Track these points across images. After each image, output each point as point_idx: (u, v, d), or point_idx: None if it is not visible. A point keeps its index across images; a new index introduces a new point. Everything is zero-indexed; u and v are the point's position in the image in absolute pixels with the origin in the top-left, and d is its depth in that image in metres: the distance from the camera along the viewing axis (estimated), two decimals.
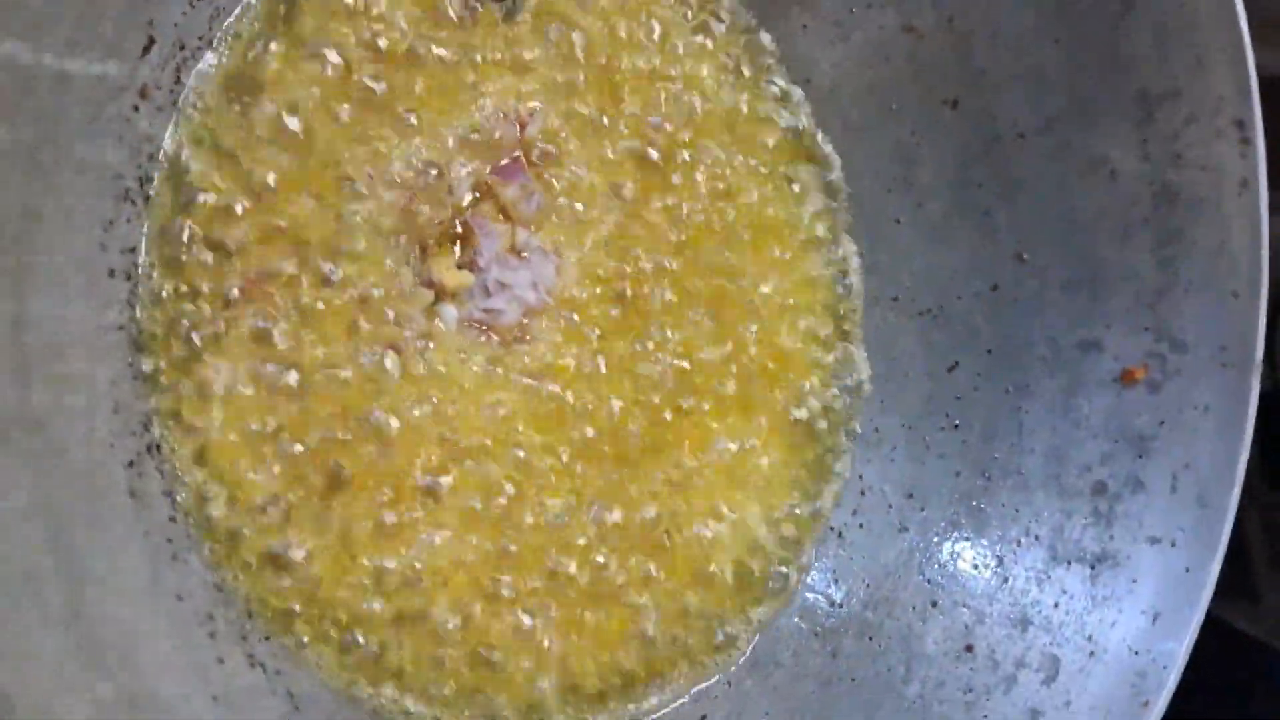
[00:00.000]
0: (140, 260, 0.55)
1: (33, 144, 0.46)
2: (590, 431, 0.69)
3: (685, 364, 0.73)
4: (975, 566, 0.74)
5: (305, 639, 0.60)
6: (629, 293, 0.71)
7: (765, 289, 0.76)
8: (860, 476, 0.79)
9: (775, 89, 0.78)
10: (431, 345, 0.64)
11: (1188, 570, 0.68)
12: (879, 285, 0.80)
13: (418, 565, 0.63)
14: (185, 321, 0.56)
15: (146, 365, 0.55)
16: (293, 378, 0.59)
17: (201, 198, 0.57)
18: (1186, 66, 0.67)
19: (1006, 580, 0.73)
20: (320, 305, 0.60)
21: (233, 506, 0.58)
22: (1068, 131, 0.72)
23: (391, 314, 0.62)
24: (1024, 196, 0.75)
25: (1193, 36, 0.66)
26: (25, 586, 0.44)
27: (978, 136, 0.75)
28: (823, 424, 0.77)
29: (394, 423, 0.62)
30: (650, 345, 0.72)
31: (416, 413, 0.63)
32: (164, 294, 0.56)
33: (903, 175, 0.79)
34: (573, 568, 0.68)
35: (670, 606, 0.72)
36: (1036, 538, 0.73)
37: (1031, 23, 0.71)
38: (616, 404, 0.70)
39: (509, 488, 0.66)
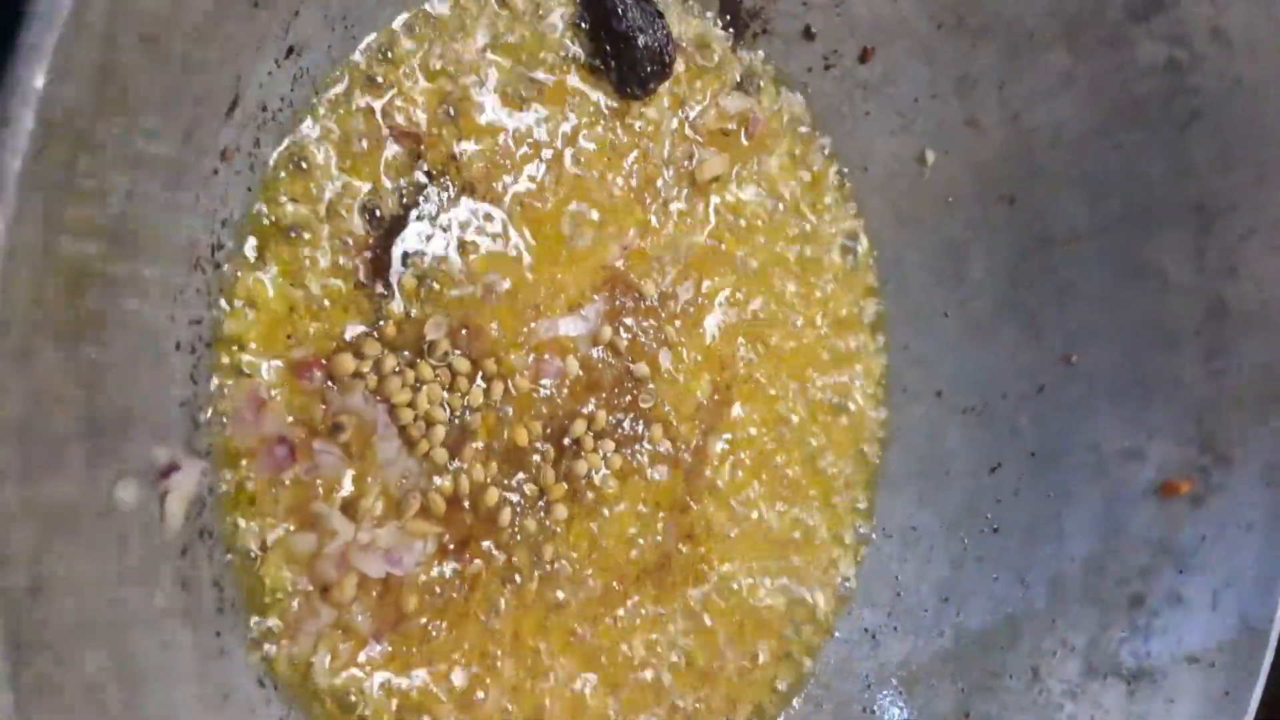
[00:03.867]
0: (204, 333, 0.53)
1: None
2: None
3: None
4: (1011, 676, 0.73)
5: None
6: None
7: None
8: (896, 577, 0.78)
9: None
10: None
11: (1227, 694, 0.66)
12: (922, 379, 0.79)
13: None
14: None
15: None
16: None
17: None
18: (1248, 179, 0.66)
19: (1042, 693, 0.72)
20: None
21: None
22: (1122, 237, 0.71)
23: None
24: (1074, 299, 0.74)
25: (1257, 150, 0.66)
26: (83, 681, 0.42)
27: (1031, 235, 0.75)
28: None
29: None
30: None
31: None
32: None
33: (953, 269, 0.78)
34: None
35: None
36: (1072, 649, 0.71)
37: (1096, 125, 0.71)
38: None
39: None
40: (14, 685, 0.35)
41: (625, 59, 0.66)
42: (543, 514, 0.64)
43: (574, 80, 0.66)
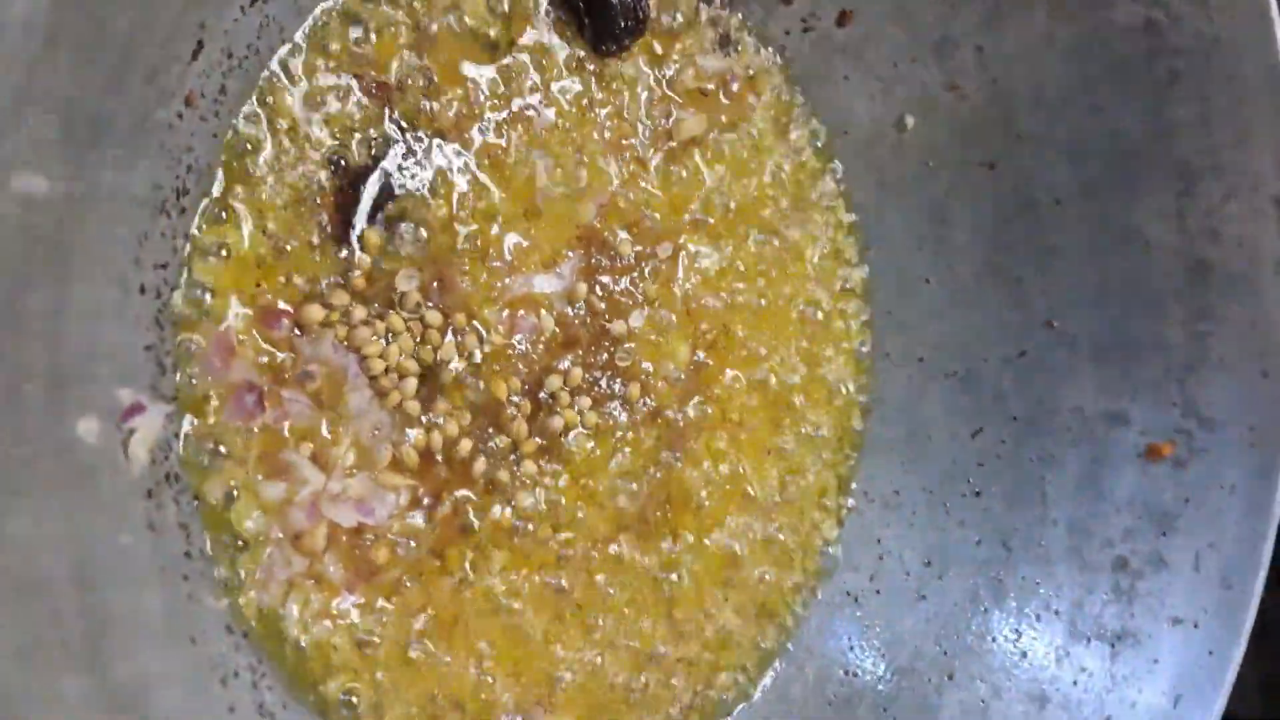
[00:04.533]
0: (169, 277, 0.53)
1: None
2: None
3: None
4: (993, 639, 0.73)
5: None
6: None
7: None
8: (879, 540, 0.78)
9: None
10: None
11: (1210, 653, 0.66)
12: (905, 345, 0.79)
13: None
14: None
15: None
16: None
17: None
18: (1230, 141, 0.66)
19: (1025, 655, 0.72)
20: None
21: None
22: (1104, 200, 0.71)
23: None
24: (1057, 263, 0.74)
25: (1238, 111, 0.65)
26: (50, 624, 0.42)
27: (1013, 200, 0.75)
28: None
29: None
30: None
31: None
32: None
33: (935, 234, 0.78)
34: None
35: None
36: (1056, 612, 0.72)
37: (1076, 88, 0.70)
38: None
39: None
40: None
41: (600, 15, 0.66)
42: (515, 468, 0.64)
43: (548, 36, 0.66)
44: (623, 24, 0.66)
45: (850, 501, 0.79)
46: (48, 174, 0.41)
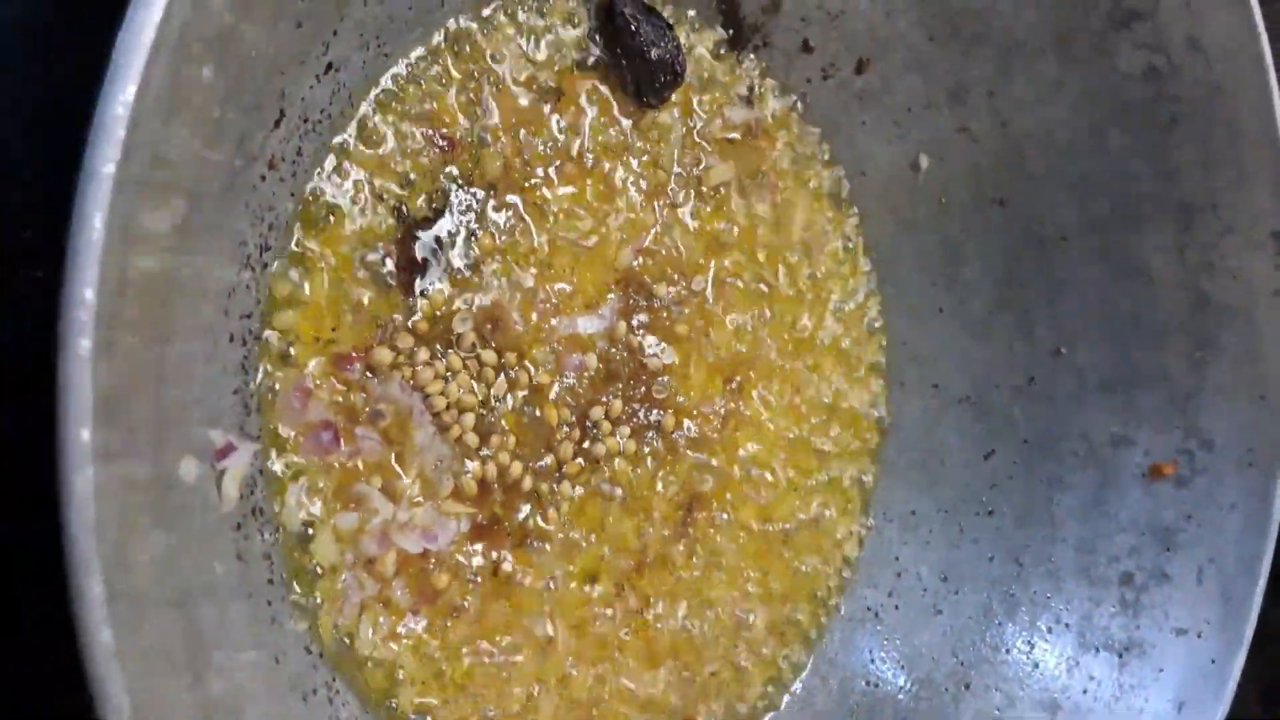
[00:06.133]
0: (253, 326, 0.57)
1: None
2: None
3: None
4: (1007, 651, 0.77)
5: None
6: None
7: None
8: (897, 558, 0.82)
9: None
10: None
11: (1213, 662, 0.70)
12: (920, 373, 0.83)
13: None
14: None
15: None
16: None
17: None
18: (1228, 181, 0.70)
19: (1037, 665, 0.75)
20: None
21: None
22: (1110, 237, 0.75)
23: None
24: (1064, 296, 0.78)
25: (1236, 152, 0.69)
26: (159, 641, 0.45)
27: (1023, 237, 0.78)
28: None
29: None
30: None
31: None
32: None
33: (948, 269, 0.82)
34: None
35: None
36: (1066, 625, 0.76)
37: (1083, 131, 0.74)
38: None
39: None
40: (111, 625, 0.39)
41: (640, 72, 0.70)
42: (558, 488, 0.69)
43: (590, 89, 0.70)
44: (662, 78, 0.70)
45: (870, 522, 0.83)
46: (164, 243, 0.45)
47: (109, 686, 0.40)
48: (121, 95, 0.39)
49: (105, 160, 0.38)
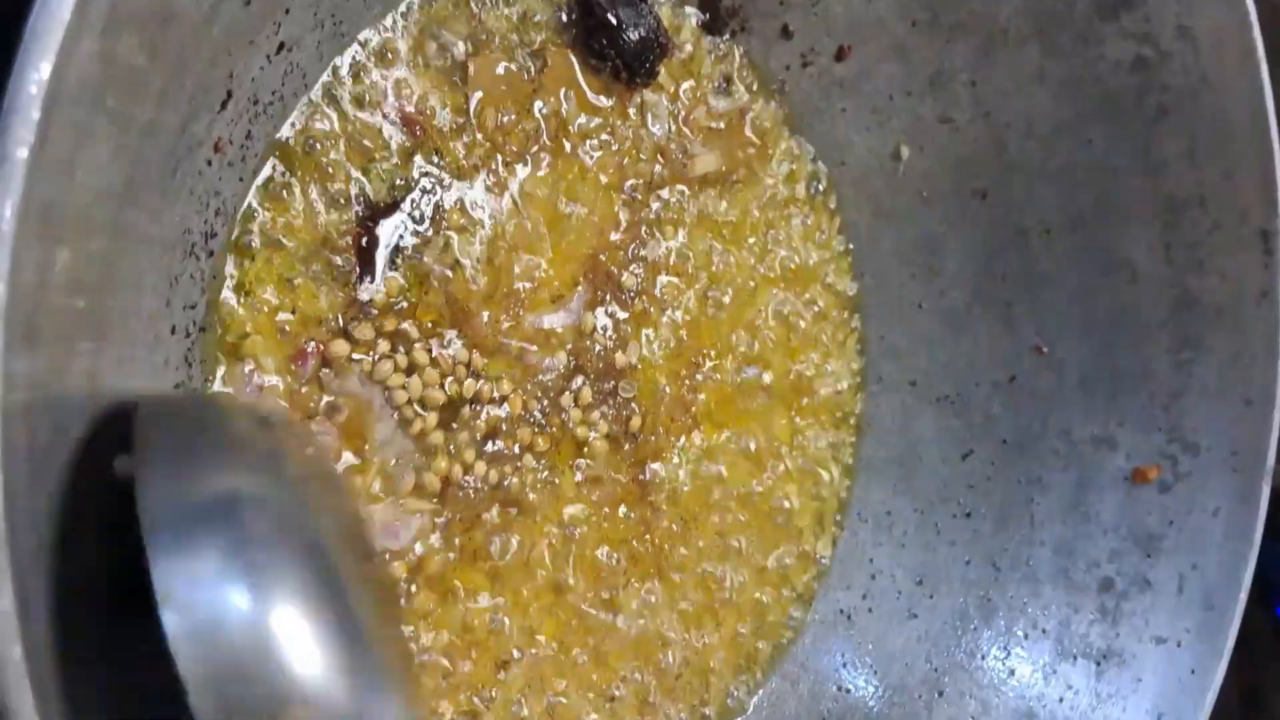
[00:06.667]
0: (198, 318, 0.55)
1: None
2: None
3: None
4: (983, 657, 0.75)
5: None
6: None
7: None
8: (871, 560, 0.80)
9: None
10: None
11: (1193, 672, 0.68)
12: (898, 369, 0.81)
13: None
14: None
15: None
16: None
17: None
18: (1216, 176, 0.68)
19: (1013, 672, 0.74)
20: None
21: None
22: (1093, 231, 0.73)
23: None
24: (1046, 291, 0.76)
25: (1225, 147, 0.67)
26: None
27: (1005, 229, 0.77)
28: None
29: None
30: None
31: None
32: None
33: (928, 262, 0.80)
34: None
35: None
36: (1044, 631, 0.74)
37: (1067, 121, 0.72)
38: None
39: None
40: None
41: (625, 54, 0.68)
42: (524, 476, 0.67)
43: (566, 71, 0.68)
44: (647, 55, 0.68)
45: (844, 521, 0.81)
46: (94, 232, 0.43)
47: None
48: (35, 74, 0.36)
49: (19, 143, 0.36)
